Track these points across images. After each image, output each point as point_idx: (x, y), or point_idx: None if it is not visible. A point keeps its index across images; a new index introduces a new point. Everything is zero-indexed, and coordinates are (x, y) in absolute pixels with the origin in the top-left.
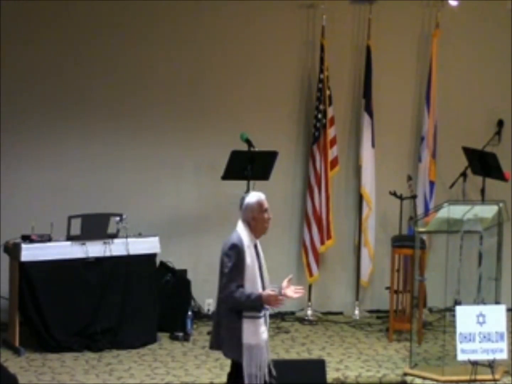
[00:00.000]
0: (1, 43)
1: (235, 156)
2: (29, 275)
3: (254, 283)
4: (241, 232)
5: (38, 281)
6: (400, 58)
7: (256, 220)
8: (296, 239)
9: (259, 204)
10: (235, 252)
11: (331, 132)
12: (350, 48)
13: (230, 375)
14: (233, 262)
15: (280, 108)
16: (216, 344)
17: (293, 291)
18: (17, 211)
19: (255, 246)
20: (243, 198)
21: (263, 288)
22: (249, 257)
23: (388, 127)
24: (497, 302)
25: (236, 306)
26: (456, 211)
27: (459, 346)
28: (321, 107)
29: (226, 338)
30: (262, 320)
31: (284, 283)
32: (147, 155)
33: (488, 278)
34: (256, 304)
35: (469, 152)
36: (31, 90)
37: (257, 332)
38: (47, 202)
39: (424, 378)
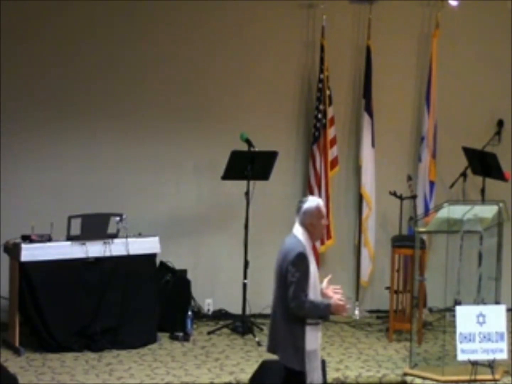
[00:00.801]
0: (1, 42)
1: (235, 156)
2: (29, 275)
3: (316, 289)
4: (302, 238)
5: (38, 281)
6: (400, 58)
7: (314, 226)
8: None
9: (318, 210)
10: (302, 261)
11: (331, 132)
12: (350, 48)
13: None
14: (301, 271)
15: (280, 108)
16: (272, 349)
17: (333, 292)
18: (17, 211)
19: None
20: (301, 202)
21: None
22: (312, 264)
23: (388, 127)
24: (497, 302)
25: (305, 316)
26: (456, 211)
27: (459, 346)
28: (321, 107)
29: (284, 345)
30: (320, 326)
31: (324, 283)
32: (147, 155)
33: (488, 278)
34: (325, 313)
35: (469, 152)
36: (31, 90)
37: (317, 337)
38: (47, 202)
39: (424, 378)
